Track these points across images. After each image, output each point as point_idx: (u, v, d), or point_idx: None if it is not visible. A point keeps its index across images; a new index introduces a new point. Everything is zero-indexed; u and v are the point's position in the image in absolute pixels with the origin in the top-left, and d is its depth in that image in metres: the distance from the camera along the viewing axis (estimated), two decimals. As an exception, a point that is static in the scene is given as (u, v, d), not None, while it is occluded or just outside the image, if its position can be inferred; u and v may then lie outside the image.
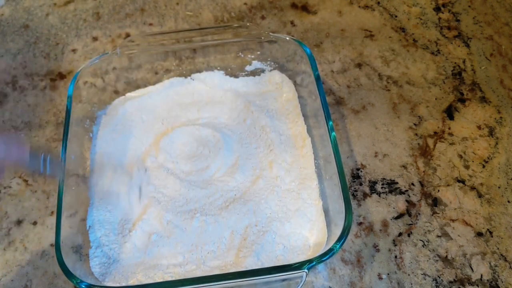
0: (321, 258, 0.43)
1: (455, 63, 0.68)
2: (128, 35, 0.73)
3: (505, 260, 0.52)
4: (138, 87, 0.65)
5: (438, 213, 0.55)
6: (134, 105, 0.62)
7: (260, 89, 0.64)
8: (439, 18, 0.74)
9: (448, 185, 0.57)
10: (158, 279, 0.48)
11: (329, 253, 0.44)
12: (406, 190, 0.57)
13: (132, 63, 0.64)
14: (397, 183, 0.57)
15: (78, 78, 0.57)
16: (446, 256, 0.52)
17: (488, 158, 0.59)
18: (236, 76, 0.65)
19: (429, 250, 0.52)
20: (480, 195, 0.56)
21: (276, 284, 0.50)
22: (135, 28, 0.74)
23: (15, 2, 0.78)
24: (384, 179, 0.57)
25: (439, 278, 0.50)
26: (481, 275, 0.51)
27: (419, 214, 0.55)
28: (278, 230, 0.51)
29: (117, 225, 0.52)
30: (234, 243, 0.50)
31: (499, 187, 0.57)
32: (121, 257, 0.50)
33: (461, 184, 0.57)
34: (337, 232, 0.45)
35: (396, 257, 0.52)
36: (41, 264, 0.52)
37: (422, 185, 0.57)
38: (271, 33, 0.61)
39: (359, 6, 0.75)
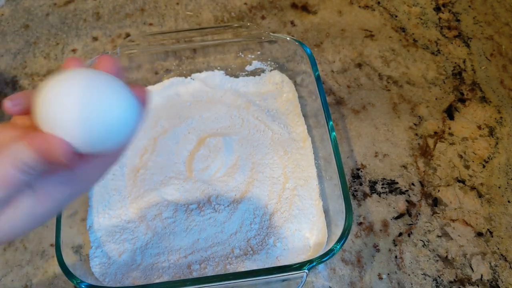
0: (322, 258, 0.43)
1: (455, 63, 0.68)
2: (128, 35, 0.73)
3: (505, 260, 0.52)
4: (138, 87, 0.64)
5: (438, 213, 0.55)
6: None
7: (260, 89, 0.64)
8: (439, 18, 0.74)
9: (448, 185, 0.57)
10: (158, 279, 0.48)
11: (329, 253, 0.44)
12: (406, 190, 0.57)
13: (132, 63, 0.64)
14: (397, 183, 0.57)
15: (78, 78, 0.57)
16: (446, 256, 0.52)
17: (488, 158, 0.59)
18: (236, 76, 0.65)
19: (429, 250, 0.52)
20: (480, 195, 0.56)
21: (276, 284, 0.50)
22: (135, 28, 0.74)
23: (15, 2, 0.78)
24: (384, 179, 0.57)
25: (439, 278, 0.50)
26: (481, 275, 0.51)
27: (419, 214, 0.55)
28: (278, 230, 0.51)
29: (117, 225, 0.52)
30: (234, 243, 0.50)
31: (499, 187, 0.57)
32: (121, 257, 0.50)
33: (461, 184, 0.57)
34: (337, 232, 0.45)
35: (396, 257, 0.52)
36: (41, 264, 0.52)
37: (422, 185, 0.57)
38: (271, 33, 0.61)
39: (359, 6, 0.75)
